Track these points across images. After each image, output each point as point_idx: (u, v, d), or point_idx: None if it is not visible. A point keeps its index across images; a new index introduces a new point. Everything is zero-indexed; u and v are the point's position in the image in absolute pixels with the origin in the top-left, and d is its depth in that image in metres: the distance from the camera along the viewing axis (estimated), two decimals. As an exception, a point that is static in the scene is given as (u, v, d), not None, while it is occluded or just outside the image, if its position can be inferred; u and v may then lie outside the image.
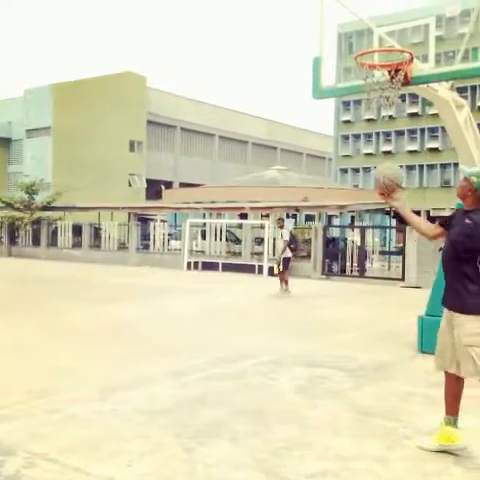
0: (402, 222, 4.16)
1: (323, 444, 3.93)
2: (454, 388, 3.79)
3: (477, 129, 7.18)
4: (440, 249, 3.95)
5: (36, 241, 27.70)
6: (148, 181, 49.18)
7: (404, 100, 45.68)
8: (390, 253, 22.52)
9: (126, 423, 4.29)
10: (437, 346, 3.91)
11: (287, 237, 13.51)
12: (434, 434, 3.85)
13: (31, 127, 46.69)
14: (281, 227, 13.90)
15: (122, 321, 9.01)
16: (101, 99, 45.33)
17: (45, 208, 29.37)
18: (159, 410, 4.61)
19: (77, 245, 26.13)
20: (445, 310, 3.85)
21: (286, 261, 13.46)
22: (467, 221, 3.65)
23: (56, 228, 27.33)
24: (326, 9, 6.43)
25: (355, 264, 18.89)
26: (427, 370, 3.95)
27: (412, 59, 5.91)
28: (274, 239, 13.28)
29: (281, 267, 13.38)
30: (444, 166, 47.19)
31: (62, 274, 18.51)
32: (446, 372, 3.83)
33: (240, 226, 23.60)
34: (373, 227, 24.03)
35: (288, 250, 13.51)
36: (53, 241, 27.11)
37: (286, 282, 13.29)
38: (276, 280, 13.97)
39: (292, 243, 13.78)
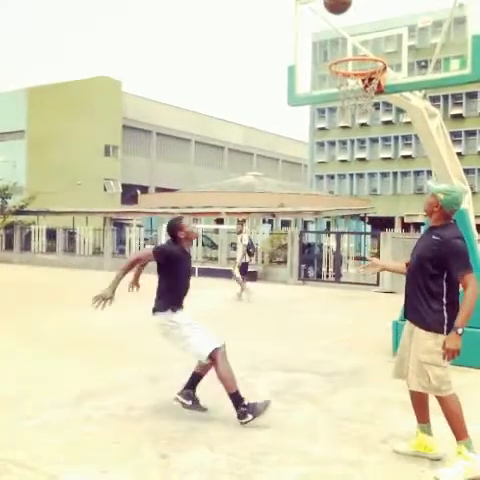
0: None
1: (300, 449, 3.95)
2: (418, 397, 3.82)
3: (449, 137, 7.32)
4: (406, 265, 3.98)
5: (9, 245, 27.25)
6: (124, 186, 48.83)
7: (378, 108, 46.31)
8: (365, 259, 22.73)
9: (101, 429, 4.25)
10: (397, 354, 3.94)
11: (246, 242, 13.58)
12: (411, 441, 3.89)
13: (4, 130, 45.98)
14: (240, 232, 13.85)
15: (95, 327, 8.90)
16: (76, 103, 44.90)
17: (18, 212, 28.93)
18: (134, 416, 4.57)
19: (51, 250, 25.77)
20: (406, 324, 3.87)
21: (244, 266, 13.57)
22: (434, 237, 3.67)
23: (30, 232, 26.94)
24: (301, 18, 6.50)
25: (331, 269, 19.03)
26: (391, 372, 3.98)
27: (385, 68, 5.99)
28: (236, 244, 13.35)
29: (239, 272, 13.41)
30: (417, 173, 47.93)
31: (35, 279, 18.24)
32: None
33: (216, 231, 23.60)
34: (348, 233, 24.28)
35: (246, 255, 13.61)
36: (26, 245, 26.70)
37: (243, 286, 13.35)
38: (254, 284, 13.97)
39: (250, 248, 13.88)
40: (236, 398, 4.42)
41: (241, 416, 4.37)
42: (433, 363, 3.60)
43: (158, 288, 4.71)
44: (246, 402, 4.41)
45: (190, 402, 4.65)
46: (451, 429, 3.63)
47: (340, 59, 6.33)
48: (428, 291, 3.66)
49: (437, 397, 3.67)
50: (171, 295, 4.69)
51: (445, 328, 3.58)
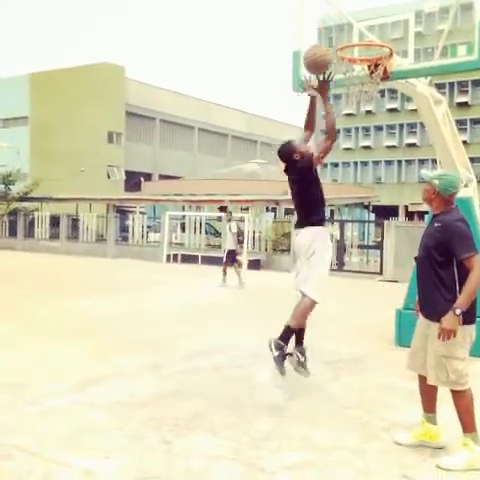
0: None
1: (301, 436, 3.96)
2: (428, 388, 3.79)
3: (454, 125, 7.26)
4: (416, 259, 3.93)
5: (12, 232, 27.30)
6: (127, 173, 48.77)
7: (383, 95, 45.98)
8: (368, 247, 22.72)
9: (104, 416, 4.27)
10: (411, 347, 3.91)
11: (235, 230, 13.88)
12: (414, 430, 3.88)
13: (7, 116, 45.90)
14: (229, 220, 14.19)
15: (98, 315, 8.93)
16: (79, 89, 44.72)
17: (22, 199, 28.96)
18: (137, 403, 4.59)
19: (54, 236, 25.81)
20: (421, 316, 3.81)
21: (231, 253, 13.79)
22: (436, 224, 3.65)
23: (33, 219, 26.97)
24: (306, 2, 6.42)
25: (334, 258, 19.03)
26: (405, 363, 3.97)
27: (392, 54, 5.93)
28: (233, 231, 13.74)
29: (224, 258, 13.79)
30: (422, 162, 47.65)
31: (37, 266, 18.28)
32: (420, 375, 3.84)
33: (219, 219, 23.57)
34: (352, 221, 24.22)
35: (236, 242, 13.89)
36: (30, 232, 26.75)
37: (225, 272, 13.56)
38: (257, 272, 14.00)
39: (239, 235, 14.16)
40: (288, 334, 4.57)
41: (276, 345, 4.49)
42: (451, 356, 3.54)
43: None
44: (286, 348, 4.54)
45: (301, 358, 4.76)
46: (460, 421, 3.60)
47: (347, 44, 6.24)
48: (439, 280, 3.59)
49: (452, 390, 3.62)
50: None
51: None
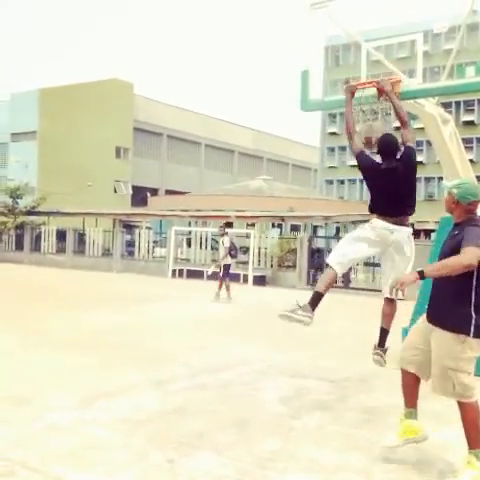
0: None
1: (307, 456, 3.91)
2: (412, 384, 3.79)
3: (461, 143, 7.28)
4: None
5: (19, 246, 27.39)
6: (134, 188, 49.04)
7: (390, 113, 46.12)
8: (375, 265, 22.58)
9: (108, 432, 4.23)
10: (406, 340, 3.89)
11: (228, 244, 13.98)
12: (398, 430, 3.85)
13: (17, 131, 46.34)
14: (222, 235, 14.28)
15: (103, 329, 8.91)
16: (88, 105, 45.18)
17: (29, 213, 29.09)
18: (141, 420, 4.56)
19: (61, 250, 25.88)
20: (426, 320, 3.76)
21: (227, 267, 13.93)
22: (455, 232, 3.64)
23: (40, 233, 27.07)
24: (314, 22, 6.47)
25: (340, 275, 18.95)
26: (398, 361, 3.93)
27: (400, 80, 5.93)
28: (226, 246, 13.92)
29: (221, 273, 13.85)
30: (428, 179, 47.63)
31: (44, 279, 18.31)
32: (405, 370, 3.80)
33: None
34: (358, 238, 24.09)
35: (228, 257, 13.99)
36: (36, 246, 26.84)
37: (227, 287, 13.70)
38: (262, 288, 13.98)
39: (232, 250, 14.22)
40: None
41: (304, 307, 4.78)
42: (458, 369, 3.49)
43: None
44: (312, 310, 4.86)
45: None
46: (466, 437, 3.55)
47: (357, 82, 6.06)
48: (456, 290, 3.52)
49: (458, 402, 3.58)
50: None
51: (472, 329, 3.45)
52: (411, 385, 3.80)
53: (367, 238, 4.83)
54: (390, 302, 5.03)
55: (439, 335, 3.57)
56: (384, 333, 5.15)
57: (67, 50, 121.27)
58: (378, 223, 4.83)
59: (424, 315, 3.81)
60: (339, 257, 4.83)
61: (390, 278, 4.77)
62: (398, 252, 4.83)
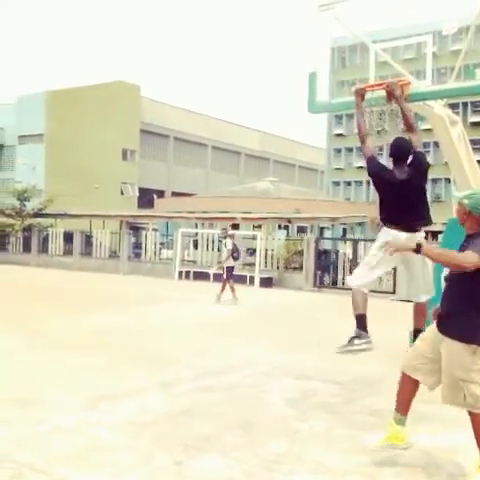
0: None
1: (313, 458, 3.89)
2: (411, 391, 3.76)
3: (469, 145, 7.24)
4: (445, 278, 3.85)
5: (27, 248, 27.50)
6: (140, 190, 49.13)
7: (398, 115, 45.97)
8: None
9: (113, 434, 4.23)
10: (413, 348, 3.83)
11: (230, 246, 14.00)
12: (386, 433, 3.83)
13: (24, 133, 46.55)
14: (225, 237, 14.34)
15: (106, 330, 8.92)
16: (94, 107, 45.33)
17: (36, 215, 29.20)
18: (147, 422, 4.55)
19: (68, 252, 25.95)
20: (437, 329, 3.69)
21: (230, 269, 13.96)
22: (465, 244, 3.54)
23: (47, 235, 27.16)
24: (321, 24, 6.44)
25: (346, 276, 18.90)
26: (400, 365, 3.91)
27: (409, 83, 5.90)
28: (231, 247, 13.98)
29: (225, 275, 13.91)
30: (435, 181, 47.40)
31: (50, 281, 18.36)
32: (406, 375, 3.76)
33: (232, 236, 23.56)
34: (365, 240, 24.08)
35: (231, 259, 14.03)
36: (44, 248, 26.93)
37: (232, 289, 13.71)
38: (269, 290, 13.97)
39: (235, 252, 14.24)
40: (362, 320, 5.00)
41: (358, 334, 4.87)
42: (469, 380, 3.44)
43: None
44: (366, 331, 4.87)
45: None
46: (478, 445, 3.50)
47: (366, 85, 6.04)
48: (466, 300, 3.47)
49: (469, 412, 3.54)
50: None
51: None
52: (409, 392, 3.77)
53: (383, 258, 4.77)
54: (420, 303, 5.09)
55: (449, 345, 3.51)
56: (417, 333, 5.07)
57: (71, 51, 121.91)
58: (390, 233, 4.81)
59: (434, 324, 3.76)
60: (362, 282, 4.96)
61: (410, 285, 4.82)
62: (414, 258, 4.75)
